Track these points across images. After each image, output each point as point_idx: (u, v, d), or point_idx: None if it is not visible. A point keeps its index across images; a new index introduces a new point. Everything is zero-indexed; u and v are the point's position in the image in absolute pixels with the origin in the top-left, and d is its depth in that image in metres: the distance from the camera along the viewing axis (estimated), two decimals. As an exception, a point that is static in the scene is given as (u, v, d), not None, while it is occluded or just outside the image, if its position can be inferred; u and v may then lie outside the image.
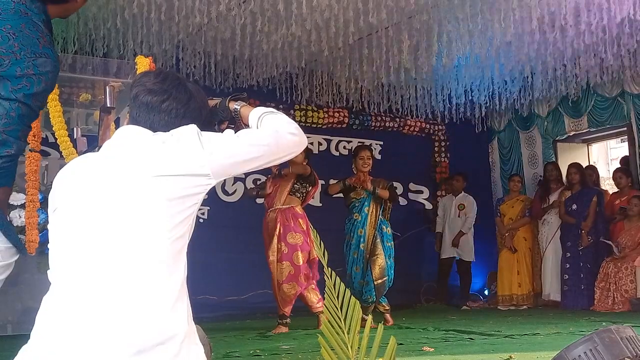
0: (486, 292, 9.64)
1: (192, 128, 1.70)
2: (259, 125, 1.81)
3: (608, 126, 9.08)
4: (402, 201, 9.71)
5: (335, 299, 1.33)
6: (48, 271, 1.67)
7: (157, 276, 1.57)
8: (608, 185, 9.67)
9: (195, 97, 1.84)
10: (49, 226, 1.73)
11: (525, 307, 8.45)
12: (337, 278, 1.38)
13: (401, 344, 4.57)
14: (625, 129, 8.94)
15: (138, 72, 3.64)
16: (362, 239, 6.45)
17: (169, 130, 1.74)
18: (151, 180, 1.61)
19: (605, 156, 11.84)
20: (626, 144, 9.25)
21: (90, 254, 1.59)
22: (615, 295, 7.48)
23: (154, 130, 1.75)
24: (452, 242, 9.04)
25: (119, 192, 1.62)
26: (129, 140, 1.73)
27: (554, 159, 9.58)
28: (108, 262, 1.57)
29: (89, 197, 1.64)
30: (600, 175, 9.71)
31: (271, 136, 1.75)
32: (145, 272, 1.57)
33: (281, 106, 8.70)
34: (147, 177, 1.61)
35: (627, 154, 8.95)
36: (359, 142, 9.43)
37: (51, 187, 1.69)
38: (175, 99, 1.78)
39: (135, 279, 1.56)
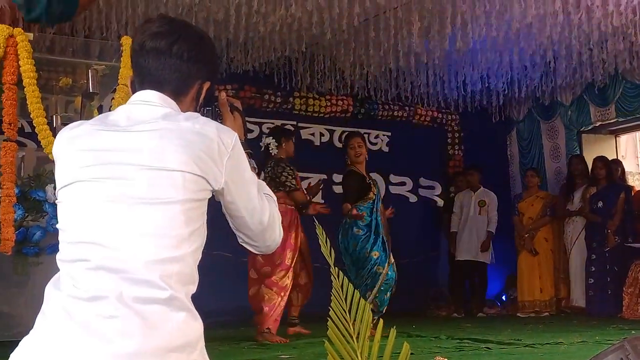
0: (504, 298, 9.63)
1: (233, 139, 1.72)
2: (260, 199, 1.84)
3: (638, 116, 9.06)
4: (412, 198, 9.72)
5: (343, 301, 1.32)
6: (57, 254, 1.66)
7: (177, 283, 1.60)
8: (638, 180, 9.65)
9: (205, 38, 1.88)
10: (58, 202, 1.71)
11: (546, 314, 8.44)
12: (345, 279, 1.37)
13: (412, 353, 4.56)
14: (657, 119, 8.95)
15: (124, 54, 3.63)
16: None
17: (182, 77, 1.79)
18: (178, 174, 1.63)
19: (635, 149, 11.82)
20: (658, 135, 9.25)
21: (107, 239, 1.60)
22: (645, 301, 7.48)
23: (166, 79, 1.78)
24: (482, 245, 8.90)
25: (145, 178, 1.63)
26: (155, 114, 1.72)
27: (578, 152, 9.55)
28: (127, 251, 1.59)
29: (108, 174, 1.64)
30: (629, 170, 9.69)
31: (269, 222, 1.83)
32: (166, 278, 1.59)
33: (279, 93, 8.71)
34: (174, 169, 1.63)
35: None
36: (364, 132, 9.44)
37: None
38: (185, 40, 1.79)
39: (152, 281, 1.57)
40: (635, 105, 8.90)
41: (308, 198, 6.44)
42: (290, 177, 6.20)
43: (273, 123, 8.87)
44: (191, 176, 1.63)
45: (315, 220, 1.73)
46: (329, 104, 9.14)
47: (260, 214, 1.81)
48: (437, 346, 5.19)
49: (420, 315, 8.48)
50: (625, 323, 6.86)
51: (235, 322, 7.22)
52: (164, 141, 1.65)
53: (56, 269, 1.67)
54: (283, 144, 6.35)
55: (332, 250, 1.45)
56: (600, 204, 8.20)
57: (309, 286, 6.42)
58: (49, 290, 1.62)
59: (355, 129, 9.18)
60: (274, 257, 5.90)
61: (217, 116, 1.94)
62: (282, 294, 5.99)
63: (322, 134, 9.27)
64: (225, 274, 7.48)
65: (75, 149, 1.70)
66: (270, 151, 6.33)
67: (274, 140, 6.37)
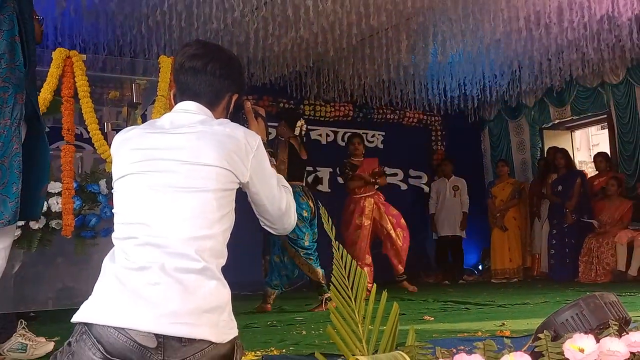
0: (480, 267, 9.61)
1: (257, 141, 1.73)
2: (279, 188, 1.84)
3: (589, 114, 9.03)
4: (403, 186, 9.70)
5: (343, 268, 1.32)
6: (112, 234, 1.67)
7: (210, 261, 1.61)
8: (590, 168, 9.60)
9: (233, 58, 1.88)
10: (113, 191, 1.73)
11: (515, 280, 8.42)
12: (344, 250, 1.37)
13: (403, 314, 4.56)
14: (605, 116, 8.89)
15: (162, 71, 3.63)
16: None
17: (215, 91, 1.80)
18: (211, 169, 1.64)
19: (587, 142, 11.77)
20: (606, 130, 9.18)
21: (153, 221, 1.62)
22: (597, 268, 7.44)
23: (202, 92, 1.79)
24: (461, 224, 8.87)
25: (184, 171, 1.64)
26: (193, 120, 1.74)
27: (540, 146, 9.53)
28: (168, 230, 1.60)
29: (155, 168, 1.65)
30: (583, 160, 9.65)
31: (285, 209, 1.83)
32: (201, 252, 1.59)
33: (292, 101, 8.70)
34: (208, 164, 1.64)
35: (607, 140, 8.88)
36: (362, 132, 9.41)
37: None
38: (217, 61, 1.80)
39: (191, 256, 1.58)
40: (587, 106, 8.87)
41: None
42: (345, 168, 6.72)
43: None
44: (222, 170, 1.64)
45: (319, 203, 1.73)
46: (333, 109, 9.12)
47: (279, 202, 1.81)
48: (425, 307, 5.18)
49: (412, 283, 8.43)
50: (582, 286, 6.83)
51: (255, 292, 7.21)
52: (200, 142, 1.66)
53: (110, 249, 1.68)
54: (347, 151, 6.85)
55: (334, 227, 1.45)
56: (560, 187, 8.16)
57: (394, 251, 6.71)
58: (106, 262, 1.64)
59: (356, 130, 9.27)
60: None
61: (243, 122, 1.94)
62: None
63: (327, 135, 9.25)
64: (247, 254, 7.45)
65: (127, 148, 1.71)
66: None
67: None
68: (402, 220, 6.80)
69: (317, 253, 5.39)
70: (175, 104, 1.82)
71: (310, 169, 7.50)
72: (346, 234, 6.59)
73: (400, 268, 6.79)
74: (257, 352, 2.82)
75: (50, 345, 3.06)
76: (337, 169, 6.85)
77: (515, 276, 8.50)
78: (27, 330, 3.08)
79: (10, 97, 2.06)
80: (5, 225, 2.06)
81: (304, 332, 3.75)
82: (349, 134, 8.06)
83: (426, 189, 9.83)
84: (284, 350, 2.92)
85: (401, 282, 6.80)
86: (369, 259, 6.53)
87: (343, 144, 9.26)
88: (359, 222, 6.58)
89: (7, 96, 2.06)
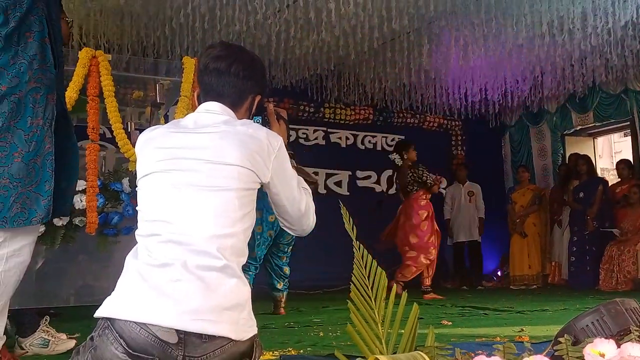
0: (499, 273, 9.53)
1: (279, 142, 1.75)
2: (299, 190, 1.85)
3: (612, 121, 8.93)
4: (422, 190, 9.65)
5: (363, 268, 1.32)
6: (136, 230, 1.69)
7: (231, 257, 1.62)
8: (612, 175, 9.49)
9: (256, 60, 1.90)
10: (138, 189, 1.74)
11: (534, 286, 8.35)
12: (365, 250, 1.38)
13: (421, 318, 4.54)
14: (628, 123, 8.79)
15: (185, 71, 3.66)
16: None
17: (238, 92, 1.81)
18: (234, 168, 1.65)
19: (610, 149, 11.64)
20: (629, 138, 9.07)
21: (177, 218, 1.63)
22: (618, 276, 7.35)
23: (225, 93, 1.81)
24: (479, 230, 8.83)
25: (207, 170, 1.66)
26: (216, 120, 1.76)
27: (562, 152, 9.45)
28: (190, 227, 1.61)
29: (178, 166, 1.67)
30: (605, 167, 9.54)
31: (305, 210, 1.84)
32: (223, 247, 1.61)
33: (312, 104, 8.72)
34: (231, 163, 1.65)
35: (630, 147, 8.77)
36: (382, 136, 9.40)
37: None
38: (240, 62, 1.82)
39: (213, 253, 1.59)
40: (610, 112, 8.77)
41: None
42: (428, 175, 6.74)
43: (307, 129, 8.88)
44: (244, 170, 1.65)
45: (340, 202, 1.73)
46: (353, 113, 9.12)
47: (299, 203, 1.82)
48: (444, 312, 5.16)
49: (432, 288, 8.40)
50: (602, 294, 6.75)
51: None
52: (223, 141, 1.68)
53: (131, 247, 1.70)
54: (404, 155, 6.83)
55: (355, 227, 1.46)
56: (581, 194, 8.08)
57: (436, 261, 6.92)
58: (129, 259, 1.66)
59: (376, 134, 9.29)
60: (426, 239, 6.68)
61: (265, 123, 1.96)
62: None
63: (347, 138, 9.25)
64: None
65: (152, 147, 1.73)
66: (397, 163, 6.85)
67: (397, 155, 6.91)
68: None
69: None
70: (199, 105, 1.84)
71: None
72: (422, 234, 6.74)
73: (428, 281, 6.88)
74: (275, 352, 2.83)
75: (71, 343, 3.10)
76: (414, 176, 6.75)
77: (534, 283, 8.43)
78: (49, 326, 3.13)
79: (42, 98, 2.12)
80: (39, 222, 2.11)
81: (321, 334, 3.75)
82: (402, 141, 8.00)
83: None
84: (301, 351, 2.93)
85: (428, 294, 6.77)
86: None
87: (363, 147, 9.27)
88: (433, 227, 6.80)
89: (39, 97, 2.11)
